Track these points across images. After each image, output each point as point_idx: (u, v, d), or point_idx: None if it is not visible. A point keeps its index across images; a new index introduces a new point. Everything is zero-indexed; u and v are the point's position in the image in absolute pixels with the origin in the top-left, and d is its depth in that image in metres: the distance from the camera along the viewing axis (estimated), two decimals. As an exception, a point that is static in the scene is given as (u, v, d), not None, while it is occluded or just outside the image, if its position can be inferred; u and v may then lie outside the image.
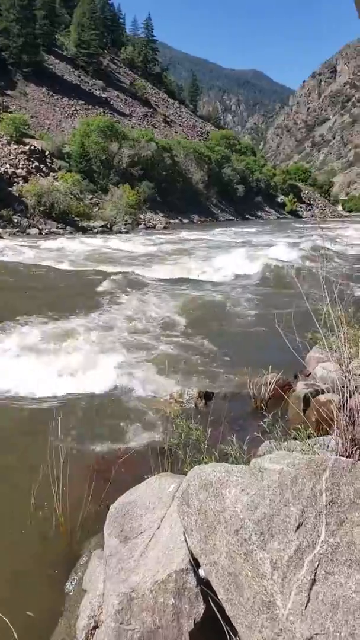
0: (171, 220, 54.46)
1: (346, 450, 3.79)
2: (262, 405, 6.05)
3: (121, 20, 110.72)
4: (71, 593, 3.11)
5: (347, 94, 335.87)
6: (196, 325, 9.97)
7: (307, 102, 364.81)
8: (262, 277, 16.42)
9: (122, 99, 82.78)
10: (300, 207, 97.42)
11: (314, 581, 1.84)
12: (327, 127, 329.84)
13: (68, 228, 36.29)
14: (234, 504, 2.06)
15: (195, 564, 2.19)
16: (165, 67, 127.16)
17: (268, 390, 6.31)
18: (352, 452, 3.79)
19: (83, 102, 70.64)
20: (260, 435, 4.21)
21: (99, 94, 77.28)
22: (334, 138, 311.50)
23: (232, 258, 19.84)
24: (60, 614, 2.95)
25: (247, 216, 77.37)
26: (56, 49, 77.77)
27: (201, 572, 2.18)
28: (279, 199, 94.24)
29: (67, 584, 3.23)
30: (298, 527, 1.95)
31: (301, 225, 55.14)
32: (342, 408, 3.90)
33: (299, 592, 1.83)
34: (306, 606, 1.80)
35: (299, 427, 4.26)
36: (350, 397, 3.98)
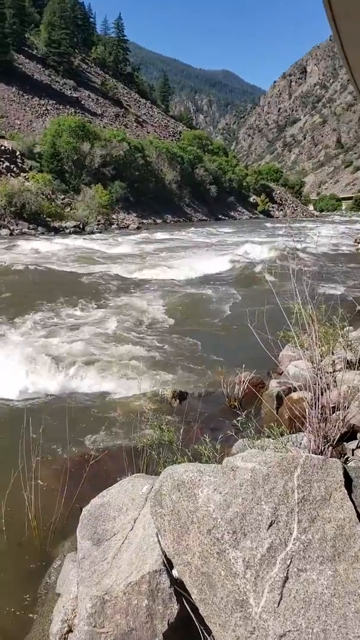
0: (144, 221, 54.38)
1: (318, 447, 3.82)
2: (236, 404, 6.07)
3: (92, 19, 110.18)
4: (44, 597, 3.07)
5: (317, 95, 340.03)
6: (169, 325, 9.97)
7: (278, 103, 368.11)
8: (235, 277, 16.50)
9: (93, 99, 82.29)
10: (273, 207, 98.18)
11: (286, 579, 1.84)
12: (298, 127, 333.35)
13: (40, 228, 35.94)
14: (207, 503, 2.06)
15: (169, 564, 2.18)
16: (137, 67, 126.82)
17: (241, 389, 6.34)
18: (324, 449, 3.83)
19: (54, 101, 70.02)
20: (233, 434, 4.23)
21: (70, 93, 76.68)
22: (304, 138, 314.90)
23: (205, 258, 19.92)
24: (33, 620, 2.91)
25: (220, 216, 77.69)
26: (26, 48, 76.90)
27: (175, 573, 2.17)
28: (251, 199, 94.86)
29: (40, 588, 3.18)
30: (270, 525, 1.95)
31: (273, 225, 55.54)
32: (314, 405, 3.94)
33: (272, 590, 1.83)
34: (279, 604, 1.81)
35: (272, 425, 4.29)
36: (322, 394, 4.03)
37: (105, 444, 5.00)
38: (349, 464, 3.79)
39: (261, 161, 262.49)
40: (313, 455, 2.16)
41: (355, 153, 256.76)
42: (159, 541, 2.25)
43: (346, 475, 2.09)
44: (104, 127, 70.29)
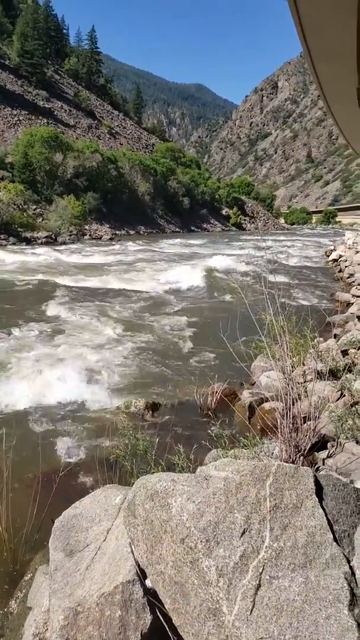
0: (117, 232, 54.35)
1: (290, 456, 3.87)
2: (209, 414, 6.10)
3: (65, 31, 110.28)
4: (15, 611, 3.02)
5: (288, 110, 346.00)
6: (141, 336, 9.96)
7: (249, 117, 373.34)
8: (207, 288, 16.59)
9: (66, 110, 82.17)
10: (244, 220, 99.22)
11: (258, 586, 1.86)
12: (269, 141, 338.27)
13: (11, 239, 35.55)
14: (180, 512, 2.07)
15: (142, 574, 2.18)
16: (110, 79, 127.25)
17: (214, 399, 6.37)
18: (295, 459, 3.88)
19: (26, 112, 69.65)
20: (207, 444, 4.24)
21: (43, 104, 76.42)
22: (275, 152, 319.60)
23: (178, 269, 19.99)
24: (4, 635, 2.87)
25: (193, 228, 78.16)
26: (-2, 58, 76.60)
27: (148, 583, 2.17)
28: (223, 212, 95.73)
29: (11, 602, 3.13)
30: (243, 533, 1.97)
31: (245, 237, 56.07)
32: (285, 415, 3.99)
33: (245, 597, 1.85)
34: (251, 611, 1.82)
35: (245, 434, 4.32)
36: (293, 404, 4.08)
37: (77, 456, 4.96)
38: (319, 473, 3.84)
39: (233, 174, 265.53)
40: (284, 463, 2.19)
41: (325, 167, 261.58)
42: (132, 551, 2.25)
43: (317, 483, 2.12)
44: (77, 138, 70.21)
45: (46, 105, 76.81)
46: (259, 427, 5.31)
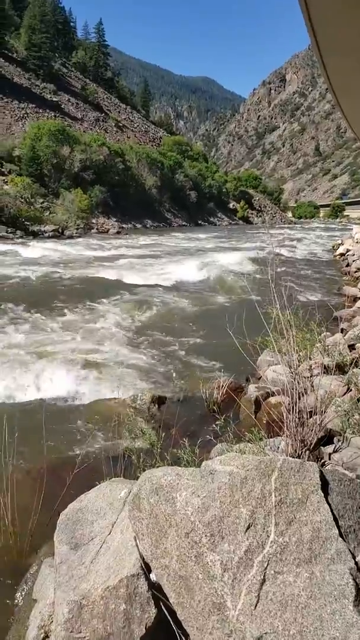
0: (124, 225, 54.33)
1: (295, 451, 3.86)
2: (215, 408, 6.08)
3: (72, 24, 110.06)
4: (21, 604, 3.04)
5: (296, 103, 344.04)
6: (148, 330, 9.97)
7: (257, 110, 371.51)
8: (214, 282, 16.56)
9: (73, 103, 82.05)
10: (252, 214, 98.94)
11: (263, 581, 1.86)
12: (277, 134, 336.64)
13: (18, 232, 35.61)
14: (185, 507, 2.06)
15: (147, 568, 2.18)
16: (117, 72, 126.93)
17: (220, 393, 6.36)
18: (301, 453, 3.87)
19: (34, 105, 69.62)
20: (212, 438, 4.24)
21: (50, 97, 76.34)
22: (283, 146, 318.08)
23: (185, 263, 19.98)
24: (10, 626, 2.88)
25: (199, 222, 78.03)
26: (6, 51, 76.37)
27: (152, 577, 2.17)
28: (230, 205, 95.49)
29: (17, 594, 3.15)
30: (248, 528, 1.97)
31: (252, 231, 55.92)
32: (291, 410, 3.97)
33: (249, 592, 1.84)
34: (256, 606, 1.82)
35: (251, 429, 4.31)
36: (299, 399, 4.07)
37: (83, 449, 4.97)
38: (325, 468, 3.83)
39: (241, 168, 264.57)
40: (290, 458, 2.18)
41: (333, 161, 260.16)
42: (137, 545, 2.25)
43: (323, 478, 2.11)
44: (84, 131, 70.13)
45: (53, 99, 76.74)
46: (264, 422, 5.30)
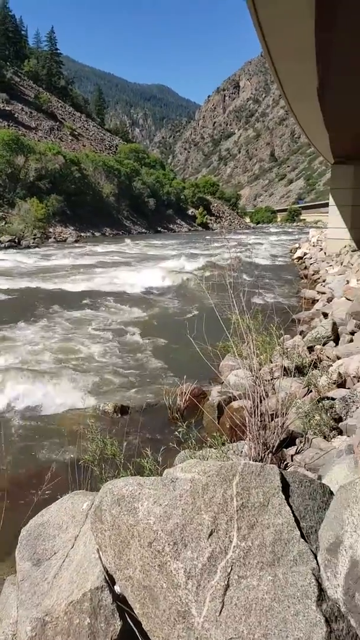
0: (82, 234, 53.96)
1: (258, 454, 3.89)
2: (178, 415, 6.08)
3: (24, 32, 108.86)
4: (-17, 625, 2.96)
5: (250, 109, 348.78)
6: (110, 340, 9.90)
7: (212, 117, 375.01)
8: (174, 288, 16.62)
9: (27, 112, 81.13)
10: (210, 220, 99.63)
11: (227, 586, 1.86)
12: (232, 141, 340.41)
13: (-27, 244, 35.02)
14: (147, 516, 2.05)
15: (111, 580, 2.16)
16: (71, 80, 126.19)
17: (183, 400, 6.37)
18: (264, 456, 3.90)
19: (-14, 115, 68.64)
20: (175, 446, 4.23)
21: (3, 107, 75.28)
22: (239, 152, 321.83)
23: (143, 271, 19.97)
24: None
25: (159, 229, 78.13)
26: None
27: (117, 589, 2.15)
28: (189, 212, 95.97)
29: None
30: (210, 534, 1.97)
31: (212, 237, 56.30)
32: (253, 413, 4.01)
33: (213, 598, 1.84)
34: (220, 612, 1.82)
35: (214, 434, 4.33)
36: (260, 402, 4.11)
37: (44, 461, 4.89)
38: (288, 470, 3.87)
39: (198, 174, 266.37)
40: (251, 462, 2.19)
41: (288, 166, 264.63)
42: (100, 557, 2.22)
43: (283, 480, 2.13)
44: (38, 140, 69.38)
45: (6, 108, 75.69)
46: (228, 426, 5.32)
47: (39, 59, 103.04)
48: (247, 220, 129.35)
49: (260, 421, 3.97)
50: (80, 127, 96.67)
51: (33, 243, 39.52)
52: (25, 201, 46.55)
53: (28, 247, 37.31)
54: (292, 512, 2.02)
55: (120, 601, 2.12)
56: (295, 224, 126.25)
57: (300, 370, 6.06)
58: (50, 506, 2.71)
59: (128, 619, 2.06)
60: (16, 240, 38.81)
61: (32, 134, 74.19)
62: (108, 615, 2.10)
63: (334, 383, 5.61)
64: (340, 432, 4.53)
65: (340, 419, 4.75)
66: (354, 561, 1.74)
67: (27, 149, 54.23)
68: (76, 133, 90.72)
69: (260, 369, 5.38)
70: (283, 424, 4.08)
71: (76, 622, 2.10)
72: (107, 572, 2.17)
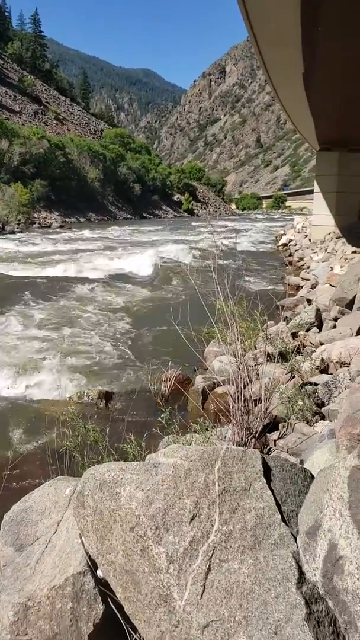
0: (67, 219, 53.55)
1: (242, 439, 3.91)
2: (162, 401, 6.10)
3: (7, 14, 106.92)
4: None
5: (236, 95, 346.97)
6: (95, 326, 9.87)
7: (198, 102, 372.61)
8: (159, 275, 16.57)
9: (10, 96, 79.96)
10: (196, 206, 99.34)
11: (208, 570, 1.87)
12: (218, 126, 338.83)
13: None
14: (129, 501, 2.05)
15: (93, 565, 2.16)
16: (55, 63, 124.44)
17: (168, 386, 6.39)
18: (247, 441, 3.93)
19: (-32, 97, 67.56)
20: (159, 432, 4.24)
21: (-14, 90, 74.25)
22: (225, 138, 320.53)
23: (128, 257, 19.88)
24: None
25: (145, 215, 77.79)
26: None
27: (99, 573, 2.16)
28: (175, 198, 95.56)
29: None
30: (192, 519, 1.97)
31: (197, 223, 56.15)
32: (237, 399, 4.03)
33: (195, 582, 1.85)
34: (202, 595, 1.83)
35: (197, 420, 4.35)
36: (244, 387, 4.12)
37: (27, 448, 4.89)
38: (271, 454, 3.90)
39: (184, 160, 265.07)
40: (233, 447, 2.20)
41: (274, 152, 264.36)
42: (82, 542, 2.22)
43: (265, 465, 2.14)
44: (22, 124, 68.51)
45: (-11, 91, 74.61)
46: (212, 412, 5.35)
47: (23, 41, 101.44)
48: (233, 206, 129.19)
49: (244, 406, 3.99)
50: (64, 111, 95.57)
51: (17, 228, 39.15)
52: (9, 186, 46.01)
53: (12, 232, 36.95)
54: (274, 496, 2.03)
55: (102, 585, 2.12)
56: (280, 210, 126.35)
57: (283, 356, 6.09)
58: (33, 492, 2.70)
59: (110, 603, 2.07)
60: (0, 226, 38.41)
61: (16, 117, 73.25)
62: (90, 600, 2.10)
63: (317, 368, 5.65)
64: (323, 417, 4.57)
65: (322, 404, 4.79)
66: (332, 544, 1.76)
67: (11, 133, 53.55)
68: (61, 117, 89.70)
69: (244, 355, 5.40)
70: (266, 409, 4.11)
71: (58, 606, 2.11)
72: (89, 557, 2.17)
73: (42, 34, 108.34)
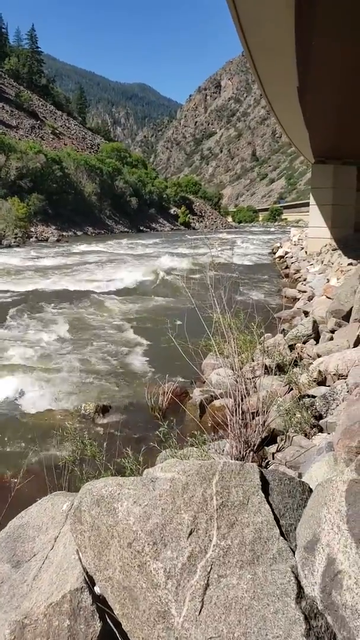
0: (64, 233, 53.69)
1: (240, 452, 3.90)
2: (160, 414, 6.07)
3: (4, 30, 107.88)
4: None
5: (231, 109, 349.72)
6: (93, 339, 9.86)
7: (194, 116, 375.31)
8: (156, 288, 16.60)
9: (7, 111, 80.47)
10: (193, 219, 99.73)
11: (207, 586, 1.86)
12: (214, 140, 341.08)
13: None
14: (127, 516, 2.04)
15: (91, 581, 2.14)
16: (52, 78, 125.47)
17: (165, 399, 6.36)
18: (245, 454, 3.91)
19: (-34, 113, 67.96)
20: (157, 446, 4.22)
21: (-17, 105, 74.70)
22: (221, 151, 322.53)
23: (125, 270, 19.92)
24: None
25: (141, 228, 78.01)
26: None
27: (97, 590, 2.14)
28: (171, 211, 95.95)
29: None
30: (190, 534, 1.96)
31: (194, 237, 56.32)
32: (235, 412, 4.02)
33: (193, 598, 1.84)
34: (200, 611, 1.81)
35: (195, 433, 4.33)
36: (242, 400, 4.12)
37: (25, 463, 4.86)
38: (269, 468, 3.89)
39: (180, 174, 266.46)
40: (231, 461, 2.20)
41: (270, 166, 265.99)
42: (79, 558, 2.21)
43: (263, 478, 2.13)
44: (19, 139, 68.89)
45: (-14, 106, 75.07)
46: (210, 425, 5.33)
47: (20, 57, 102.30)
48: (229, 219, 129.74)
49: (242, 419, 3.98)
50: (61, 126, 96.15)
51: (14, 242, 39.24)
52: (6, 200, 46.15)
53: (9, 246, 37.02)
54: (272, 510, 2.03)
55: (100, 602, 2.10)
56: (276, 223, 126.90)
57: (281, 369, 6.09)
58: (30, 507, 2.68)
59: (108, 619, 2.05)
60: (-3, 240, 38.50)
61: (13, 132, 73.64)
62: (88, 617, 2.08)
63: (315, 381, 5.64)
64: (321, 430, 4.56)
65: (320, 417, 4.78)
66: (330, 559, 1.75)
67: (7, 148, 53.83)
68: (57, 132, 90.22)
69: (241, 368, 5.39)
70: (264, 422, 4.10)
71: (55, 624, 2.09)
72: (86, 573, 2.16)
73: (39, 49, 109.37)
